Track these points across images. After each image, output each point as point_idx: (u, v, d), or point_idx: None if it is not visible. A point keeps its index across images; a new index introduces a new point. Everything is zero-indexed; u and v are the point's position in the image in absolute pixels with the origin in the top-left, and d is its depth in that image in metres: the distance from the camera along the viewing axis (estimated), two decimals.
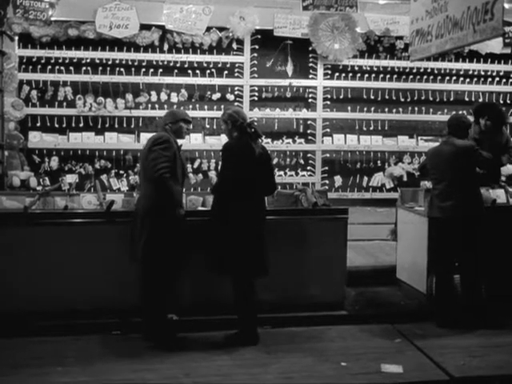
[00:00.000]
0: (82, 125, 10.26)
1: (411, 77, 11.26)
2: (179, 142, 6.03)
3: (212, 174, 10.30)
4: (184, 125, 6.07)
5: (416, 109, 11.32)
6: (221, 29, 10.36)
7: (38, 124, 10.13)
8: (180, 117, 6.06)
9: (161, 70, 10.40)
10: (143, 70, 10.36)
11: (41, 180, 9.77)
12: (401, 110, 11.24)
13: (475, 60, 11.32)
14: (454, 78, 11.39)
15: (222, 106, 10.16)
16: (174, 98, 10.40)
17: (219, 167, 6.14)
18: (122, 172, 10.40)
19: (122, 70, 10.30)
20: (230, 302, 5.90)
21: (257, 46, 10.61)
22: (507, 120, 8.14)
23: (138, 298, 5.94)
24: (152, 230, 5.72)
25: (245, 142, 5.81)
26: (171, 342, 5.89)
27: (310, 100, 10.96)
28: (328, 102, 10.96)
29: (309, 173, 10.92)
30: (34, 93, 10.07)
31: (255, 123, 6.09)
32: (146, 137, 10.04)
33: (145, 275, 5.87)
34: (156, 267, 5.78)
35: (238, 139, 5.86)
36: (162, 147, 5.73)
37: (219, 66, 10.54)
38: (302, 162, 10.97)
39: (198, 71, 10.49)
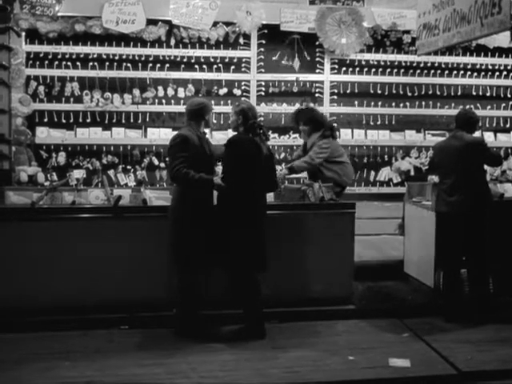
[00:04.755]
0: (89, 120, 10.29)
1: (418, 71, 11.23)
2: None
3: (219, 169, 10.28)
4: (210, 115, 6.18)
5: (423, 103, 11.29)
6: (227, 23, 10.35)
7: (46, 119, 10.16)
8: (210, 109, 6.13)
9: (168, 65, 10.40)
10: (150, 65, 10.36)
11: (48, 175, 9.79)
12: (408, 104, 11.21)
13: (483, 54, 11.28)
14: (462, 72, 11.35)
15: (229, 101, 10.18)
16: (181, 93, 10.40)
17: (223, 160, 6.09)
18: (129, 167, 10.42)
19: (128, 65, 10.31)
20: (236, 297, 5.91)
21: (263, 41, 10.60)
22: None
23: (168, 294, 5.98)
24: (186, 228, 5.78)
25: (250, 138, 5.81)
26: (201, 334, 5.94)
27: (316, 95, 10.95)
28: (335, 97, 10.95)
29: None
30: (41, 88, 10.09)
31: (262, 123, 6.09)
32: (152, 132, 10.18)
33: (179, 271, 5.90)
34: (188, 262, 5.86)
35: (245, 135, 5.85)
36: (175, 148, 5.76)
37: (226, 60, 10.54)
38: None
39: (204, 66, 10.49)
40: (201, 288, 5.93)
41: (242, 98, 10.37)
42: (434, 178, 7.99)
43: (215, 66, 10.51)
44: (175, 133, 6.09)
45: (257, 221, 5.84)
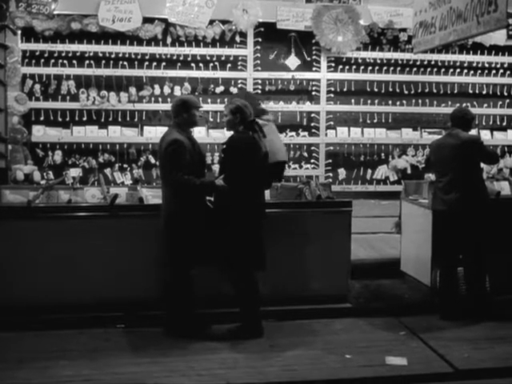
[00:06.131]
0: (85, 118, 10.27)
1: (415, 69, 11.23)
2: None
3: (216, 168, 10.29)
4: (197, 112, 5.99)
5: (420, 101, 11.29)
6: (224, 22, 10.34)
7: (42, 118, 10.14)
8: (193, 105, 5.94)
9: (164, 64, 10.39)
10: (146, 63, 10.35)
11: (44, 174, 9.78)
12: (404, 102, 11.22)
13: (479, 52, 11.28)
14: (458, 70, 11.35)
15: (226, 100, 10.14)
16: (178, 91, 10.39)
17: (222, 160, 6.06)
18: (125, 166, 10.40)
19: (125, 63, 10.29)
20: (233, 295, 5.90)
21: (260, 39, 10.59)
22: None
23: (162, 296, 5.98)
24: (180, 233, 5.77)
25: (251, 137, 5.79)
26: (198, 334, 5.92)
27: (313, 93, 10.94)
28: (331, 95, 10.94)
29: (312, 166, 10.91)
30: (37, 87, 10.08)
31: (259, 121, 6.07)
32: (149, 130, 10.17)
33: (172, 273, 5.89)
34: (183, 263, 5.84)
35: (244, 133, 5.83)
36: (174, 155, 5.68)
37: (222, 59, 10.53)
38: (305, 154, 10.97)
39: (201, 64, 10.48)
40: (196, 287, 5.92)
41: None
42: (431, 176, 8.00)
43: (211, 64, 10.50)
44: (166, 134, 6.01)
45: (256, 219, 5.83)
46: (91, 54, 10.17)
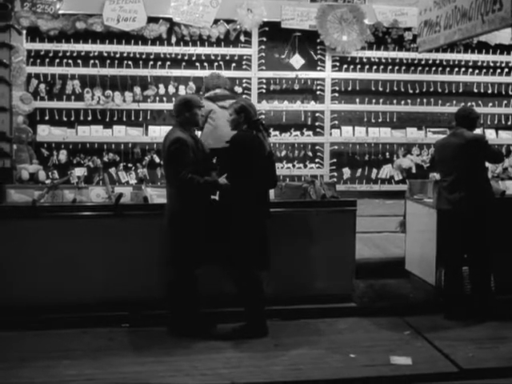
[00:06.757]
0: (90, 118, 10.29)
1: (420, 68, 11.22)
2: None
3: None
4: (199, 111, 5.99)
5: (425, 100, 11.27)
6: (228, 21, 10.34)
7: (47, 117, 10.15)
8: (195, 104, 5.94)
9: (169, 63, 10.40)
10: (151, 62, 10.36)
11: (49, 173, 9.80)
12: (409, 101, 11.20)
13: (484, 51, 11.26)
14: (463, 69, 11.34)
15: None
16: (182, 90, 10.39)
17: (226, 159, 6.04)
18: (130, 165, 10.41)
19: (129, 62, 10.30)
20: (237, 294, 5.89)
21: (264, 39, 10.58)
22: None
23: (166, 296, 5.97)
24: (183, 232, 5.76)
25: (255, 136, 5.79)
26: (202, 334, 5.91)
27: (318, 92, 10.94)
28: (336, 94, 10.94)
29: (317, 165, 10.91)
30: (42, 86, 10.09)
31: (263, 120, 6.07)
32: (153, 130, 10.17)
33: (176, 272, 5.90)
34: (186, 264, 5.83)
35: (248, 132, 5.82)
36: (177, 153, 5.69)
37: (227, 58, 10.53)
38: (310, 154, 10.96)
39: (205, 64, 10.48)
40: (201, 286, 5.91)
41: (243, 96, 10.36)
42: (436, 176, 7.98)
43: (216, 64, 10.50)
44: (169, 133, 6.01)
45: (260, 218, 5.82)
46: (96, 54, 10.18)
